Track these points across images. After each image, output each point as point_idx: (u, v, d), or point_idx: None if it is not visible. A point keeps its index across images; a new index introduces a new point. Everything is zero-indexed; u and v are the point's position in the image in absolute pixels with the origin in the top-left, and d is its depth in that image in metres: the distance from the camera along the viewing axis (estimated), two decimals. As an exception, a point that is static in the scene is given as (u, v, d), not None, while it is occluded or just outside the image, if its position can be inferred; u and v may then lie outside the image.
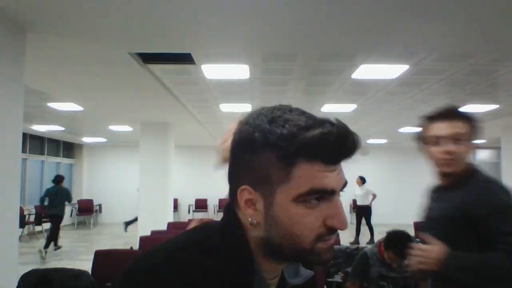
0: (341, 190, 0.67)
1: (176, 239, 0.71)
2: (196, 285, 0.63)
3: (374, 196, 10.13)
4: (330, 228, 0.65)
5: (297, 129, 0.63)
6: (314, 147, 0.62)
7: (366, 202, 10.04)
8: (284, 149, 0.63)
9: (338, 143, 0.62)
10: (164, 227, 7.00)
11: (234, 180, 0.69)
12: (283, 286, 0.74)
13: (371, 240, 9.40)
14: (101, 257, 3.99)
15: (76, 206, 13.15)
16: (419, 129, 1.77)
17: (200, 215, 12.77)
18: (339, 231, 0.68)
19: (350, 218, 14.07)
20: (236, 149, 0.68)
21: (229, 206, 0.72)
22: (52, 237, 8.40)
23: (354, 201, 13.93)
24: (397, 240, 3.03)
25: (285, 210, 0.64)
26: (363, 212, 10.05)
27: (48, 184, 12.43)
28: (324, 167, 0.63)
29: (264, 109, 0.69)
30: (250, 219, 0.67)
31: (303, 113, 0.67)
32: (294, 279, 0.75)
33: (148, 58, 4.45)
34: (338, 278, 4.16)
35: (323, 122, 0.64)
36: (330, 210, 0.65)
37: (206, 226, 0.73)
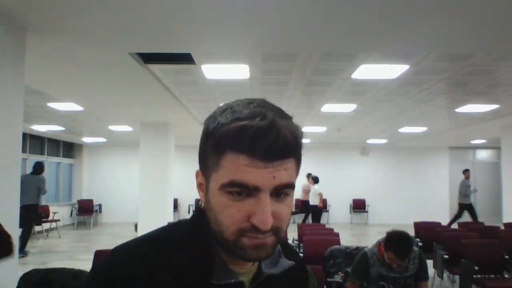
0: (279, 190, 0.65)
1: (146, 233, 0.73)
2: (157, 276, 0.64)
3: (320, 195, 10.62)
4: (254, 226, 0.63)
5: (230, 120, 0.64)
6: (233, 139, 0.63)
7: (315, 202, 10.62)
8: (214, 138, 0.65)
9: (256, 137, 0.62)
10: (164, 227, 6.99)
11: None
12: (259, 275, 0.73)
13: None
14: (101, 257, 3.98)
15: (76, 206, 13.16)
16: None
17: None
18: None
19: (350, 218, 14.11)
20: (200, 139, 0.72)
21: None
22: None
23: (355, 201, 13.99)
24: (397, 241, 3.03)
25: (214, 197, 0.66)
26: (311, 211, 10.86)
27: (48, 183, 12.46)
28: (250, 162, 0.63)
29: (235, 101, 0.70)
30: (201, 201, 0.72)
31: (260, 106, 0.66)
32: (271, 269, 0.74)
33: (148, 58, 4.45)
34: (338, 278, 4.15)
35: (255, 116, 0.63)
36: (253, 207, 0.63)
37: (179, 221, 0.76)
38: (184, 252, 0.68)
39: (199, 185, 0.72)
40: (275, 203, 0.65)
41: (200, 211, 0.72)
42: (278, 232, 0.66)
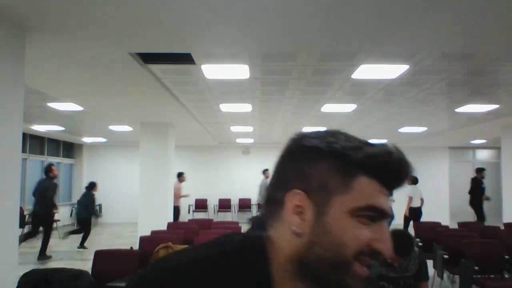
0: (389, 220, 0.66)
1: (193, 250, 0.68)
2: None
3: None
4: (374, 251, 0.64)
5: (362, 144, 0.65)
6: (377, 162, 0.63)
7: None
8: (348, 158, 0.63)
9: (397, 164, 0.64)
10: (164, 227, 7.00)
11: (279, 188, 0.66)
12: None
13: None
14: (101, 257, 3.99)
15: (76, 206, 13.14)
16: None
17: (200, 215, 12.78)
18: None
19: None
20: (288, 159, 0.67)
21: (257, 219, 0.70)
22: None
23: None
24: (397, 239, 3.03)
25: (339, 220, 0.63)
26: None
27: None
28: (380, 188, 0.64)
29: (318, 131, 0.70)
30: (294, 228, 0.64)
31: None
32: None
33: (148, 58, 4.45)
34: (338, 278, 4.15)
35: (384, 144, 0.66)
36: (379, 233, 0.64)
37: (228, 239, 0.70)
38: (236, 280, 0.62)
39: (296, 207, 0.64)
40: None
41: (261, 237, 0.66)
42: None
